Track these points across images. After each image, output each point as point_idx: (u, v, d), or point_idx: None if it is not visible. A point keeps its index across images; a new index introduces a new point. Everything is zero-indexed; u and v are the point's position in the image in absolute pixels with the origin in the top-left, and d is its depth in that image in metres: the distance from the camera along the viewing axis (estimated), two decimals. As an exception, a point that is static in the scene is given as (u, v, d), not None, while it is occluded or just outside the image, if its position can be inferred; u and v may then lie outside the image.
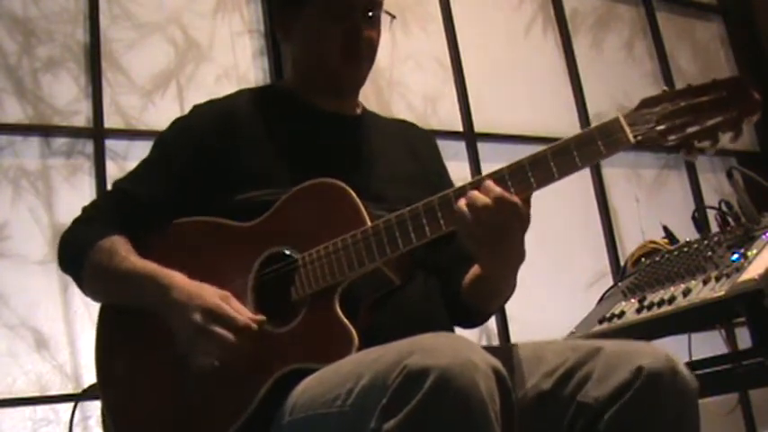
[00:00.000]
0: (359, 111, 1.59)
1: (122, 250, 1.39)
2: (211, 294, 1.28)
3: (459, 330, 1.51)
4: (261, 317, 1.28)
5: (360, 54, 1.47)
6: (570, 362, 1.22)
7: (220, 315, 1.26)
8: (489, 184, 1.21)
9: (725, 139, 1.19)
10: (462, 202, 1.21)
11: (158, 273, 1.34)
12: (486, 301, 1.44)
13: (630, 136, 1.19)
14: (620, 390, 1.15)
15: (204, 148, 1.43)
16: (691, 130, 1.18)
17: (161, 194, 1.44)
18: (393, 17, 1.52)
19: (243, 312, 1.28)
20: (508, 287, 1.40)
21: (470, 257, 1.37)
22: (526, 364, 1.26)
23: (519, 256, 1.30)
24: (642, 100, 1.22)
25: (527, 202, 1.23)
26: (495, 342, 2.97)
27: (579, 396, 1.18)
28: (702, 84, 1.20)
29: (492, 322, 2.94)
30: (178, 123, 1.52)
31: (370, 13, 1.48)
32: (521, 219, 1.22)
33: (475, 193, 1.21)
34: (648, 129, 1.19)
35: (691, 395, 1.16)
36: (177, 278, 1.32)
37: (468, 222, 1.20)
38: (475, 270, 1.41)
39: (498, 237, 1.21)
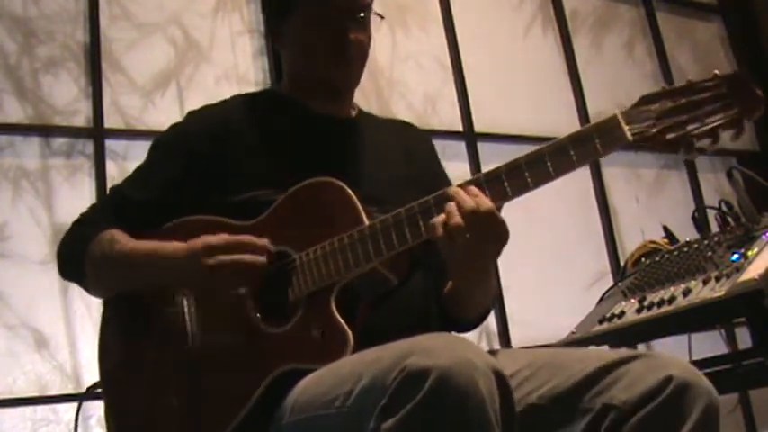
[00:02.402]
0: (354, 113, 1.59)
1: (122, 238, 1.41)
2: (211, 236, 1.31)
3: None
4: (263, 239, 1.30)
5: (348, 56, 1.47)
6: (594, 367, 1.22)
7: (224, 243, 1.29)
8: (463, 198, 1.22)
9: (726, 138, 1.18)
10: (440, 219, 1.22)
11: (160, 246, 1.37)
12: (463, 310, 1.44)
13: (628, 134, 1.18)
14: (649, 395, 1.15)
15: (197, 154, 1.45)
16: (690, 128, 1.17)
17: (157, 198, 1.45)
18: (381, 17, 1.53)
19: (242, 236, 1.30)
20: (481, 297, 1.42)
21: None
22: (546, 368, 1.26)
23: (487, 271, 1.33)
24: (641, 97, 1.20)
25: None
26: (495, 342, 2.96)
27: (605, 399, 1.18)
28: (702, 80, 1.18)
29: (492, 323, 2.94)
30: (173, 129, 1.55)
31: (359, 15, 1.48)
32: (497, 232, 1.23)
33: (451, 209, 1.21)
34: (647, 127, 1.18)
35: (715, 409, 1.17)
36: (178, 244, 1.34)
37: (442, 239, 1.22)
38: (450, 281, 1.42)
39: (470, 248, 1.22)
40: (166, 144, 1.52)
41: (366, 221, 1.29)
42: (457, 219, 1.20)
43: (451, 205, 1.22)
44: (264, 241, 1.30)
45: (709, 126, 1.16)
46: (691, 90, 1.19)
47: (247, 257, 1.28)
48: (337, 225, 1.30)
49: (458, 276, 1.35)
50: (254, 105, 1.55)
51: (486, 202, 1.21)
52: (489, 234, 1.22)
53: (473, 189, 1.22)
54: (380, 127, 1.63)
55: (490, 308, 1.49)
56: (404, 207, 1.28)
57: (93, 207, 1.56)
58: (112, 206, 1.50)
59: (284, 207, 1.37)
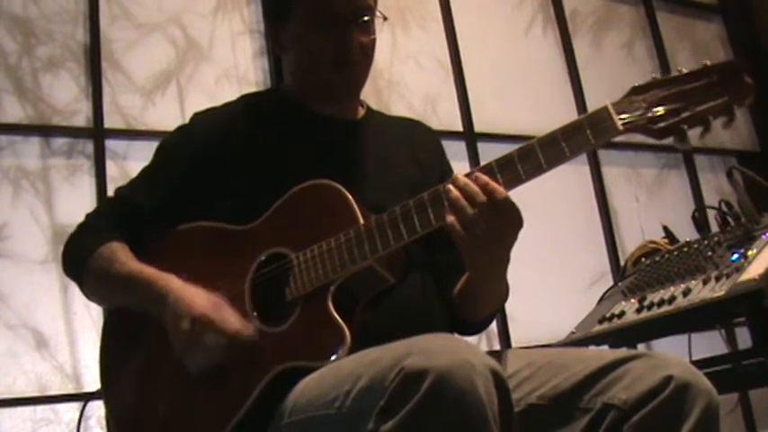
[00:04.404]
0: (361, 113, 1.59)
1: (122, 256, 1.41)
2: (203, 303, 1.29)
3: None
4: (249, 326, 1.29)
5: (351, 61, 1.46)
6: (594, 367, 1.22)
7: (208, 324, 1.27)
8: (480, 180, 1.21)
9: (718, 128, 1.18)
10: (455, 212, 1.21)
11: (155, 278, 1.36)
12: (477, 307, 1.43)
13: (618, 123, 1.17)
14: (650, 394, 1.15)
15: (203, 157, 1.45)
16: (681, 116, 1.17)
17: (160, 200, 1.45)
18: (385, 18, 1.51)
19: (232, 321, 1.29)
20: (497, 292, 1.40)
21: (463, 267, 1.37)
22: (546, 368, 1.27)
23: (506, 259, 1.30)
24: (632, 87, 1.20)
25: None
26: (495, 342, 2.97)
27: (605, 398, 1.19)
28: (694, 69, 1.19)
29: (492, 322, 2.94)
30: (178, 131, 1.54)
31: (364, 18, 1.46)
32: (513, 220, 1.22)
33: (461, 204, 1.20)
34: (637, 116, 1.18)
35: (715, 409, 1.17)
36: (174, 284, 1.34)
37: (462, 219, 1.20)
38: (464, 278, 1.41)
39: (490, 238, 1.21)
40: (171, 147, 1.52)
41: (362, 220, 1.29)
42: (469, 211, 1.19)
43: (460, 200, 1.21)
44: (249, 329, 1.29)
45: (699, 113, 1.16)
46: (682, 80, 1.19)
47: (219, 348, 1.28)
48: (334, 225, 1.30)
49: (476, 269, 1.33)
50: (260, 107, 1.54)
51: (500, 191, 1.20)
52: (507, 221, 1.21)
53: (482, 178, 1.22)
54: (387, 127, 1.61)
55: (500, 307, 1.47)
56: (399, 205, 1.28)
57: (98, 210, 1.56)
58: (116, 210, 1.49)
59: (281, 210, 1.37)
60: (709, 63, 1.18)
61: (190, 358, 1.30)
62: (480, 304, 1.42)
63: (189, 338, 1.28)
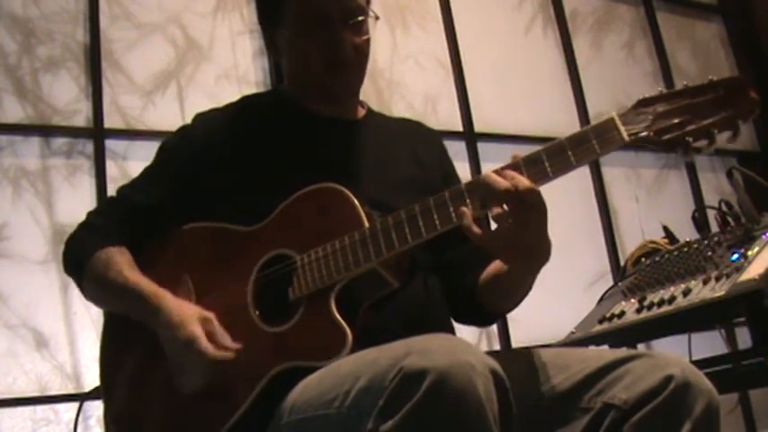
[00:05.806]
0: (362, 113, 1.59)
1: (116, 264, 1.40)
2: (192, 322, 1.30)
3: (458, 330, 1.51)
4: (236, 346, 1.29)
5: (345, 63, 1.46)
6: (594, 367, 1.23)
7: (195, 348, 1.27)
8: (506, 175, 1.21)
9: (723, 140, 1.19)
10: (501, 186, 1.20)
11: (147, 293, 1.36)
12: (502, 300, 1.43)
13: (625, 135, 1.19)
14: (650, 394, 1.16)
15: (204, 157, 1.45)
16: (686, 129, 1.19)
17: (161, 201, 1.45)
18: (377, 18, 1.51)
19: (219, 340, 1.29)
20: (525, 287, 1.39)
21: (489, 254, 1.36)
22: (546, 368, 1.27)
23: (545, 253, 1.30)
24: (639, 100, 1.22)
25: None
26: (495, 342, 2.97)
27: (605, 398, 1.19)
28: (700, 84, 1.20)
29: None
30: (180, 132, 1.54)
31: (355, 19, 1.46)
32: (536, 206, 1.23)
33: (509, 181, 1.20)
34: (643, 128, 1.20)
35: (715, 409, 1.17)
36: (165, 301, 1.34)
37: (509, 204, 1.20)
38: (494, 267, 1.41)
39: (526, 230, 1.22)
40: (172, 147, 1.52)
41: (367, 223, 1.29)
42: (497, 208, 1.19)
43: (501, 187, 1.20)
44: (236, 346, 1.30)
45: (705, 127, 1.18)
46: (688, 93, 1.21)
47: (206, 370, 1.28)
48: (339, 228, 1.30)
49: (509, 261, 1.32)
50: (261, 108, 1.54)
51: (524, 181, 1.20)
52: (529, 208, 1.22)
53: (507, 172, 1.22)
54: (387, 127, 1.61)
55: (525, 297, 1.46)
56: (404, 209, 1.28)
57: (99, 209, 1.56)
58: (118, 210, 1.49)
59: (286, 212, 1.37)
60: (715, 78, 1.20)
61: (179, 377, 1.31)
62: (510, 295, 1.41)
63: (179, 358, 1.30)
